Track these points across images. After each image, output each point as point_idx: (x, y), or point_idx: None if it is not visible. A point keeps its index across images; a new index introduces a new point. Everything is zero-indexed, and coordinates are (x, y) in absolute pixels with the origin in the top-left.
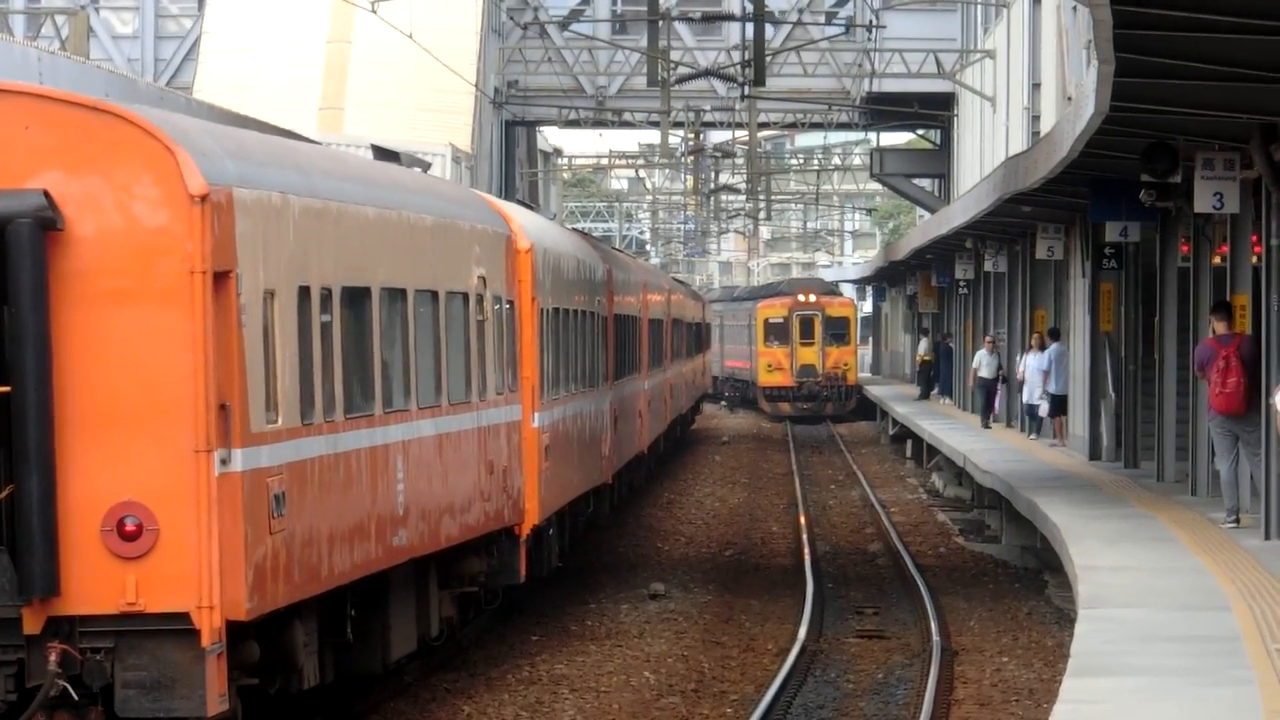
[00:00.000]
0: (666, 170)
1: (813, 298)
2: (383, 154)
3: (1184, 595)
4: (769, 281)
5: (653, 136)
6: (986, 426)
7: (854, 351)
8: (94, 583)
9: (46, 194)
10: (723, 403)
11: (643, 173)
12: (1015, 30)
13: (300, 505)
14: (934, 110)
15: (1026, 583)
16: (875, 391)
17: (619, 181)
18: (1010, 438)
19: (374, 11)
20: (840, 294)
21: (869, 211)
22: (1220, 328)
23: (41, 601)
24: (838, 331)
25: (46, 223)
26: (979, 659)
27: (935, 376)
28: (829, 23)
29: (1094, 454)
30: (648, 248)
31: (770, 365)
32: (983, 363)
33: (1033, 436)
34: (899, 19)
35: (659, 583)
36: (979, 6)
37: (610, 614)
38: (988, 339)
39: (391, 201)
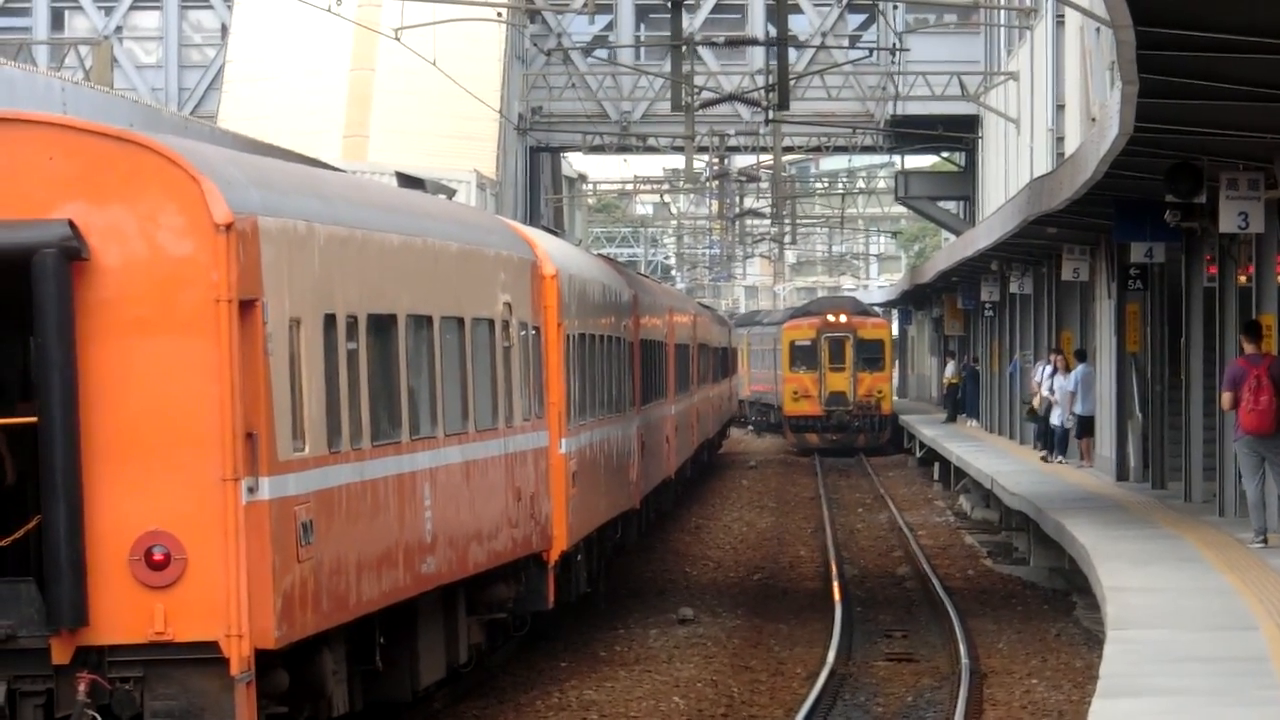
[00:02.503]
0: (691, 195)
1: (844, 318)
2: (407, 181)
3: (1212, 616)
4: (803, 303)
5: (677, 161)
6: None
7: (889, 378)
8: (122, 612)
9: (71, 224)
10: (749, 427)
11: (667, 198)
12: (1039, 52)
13: (328, 533)
14: (958, 132)
15: (1055, 604)
16: (902, 415)
17: (644, 207)
18: (1035, 459)
19: (397, 39)
20: (874, 314)
21: (894, 234)
22: (1250, 348)
23: (70, 631)
24: (871, 355)
25: (72, 253)
26: (1008, 681)
27: (962, 399)
28: (853, 46)
29: (1121, 475)
30: (673, 272)
31: (796, 392)
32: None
33: (1059, 459)
34: (922, 42)
35: (687, 607)
36: (1002, 29)
37: (639, 639)
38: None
39: (416, 228)
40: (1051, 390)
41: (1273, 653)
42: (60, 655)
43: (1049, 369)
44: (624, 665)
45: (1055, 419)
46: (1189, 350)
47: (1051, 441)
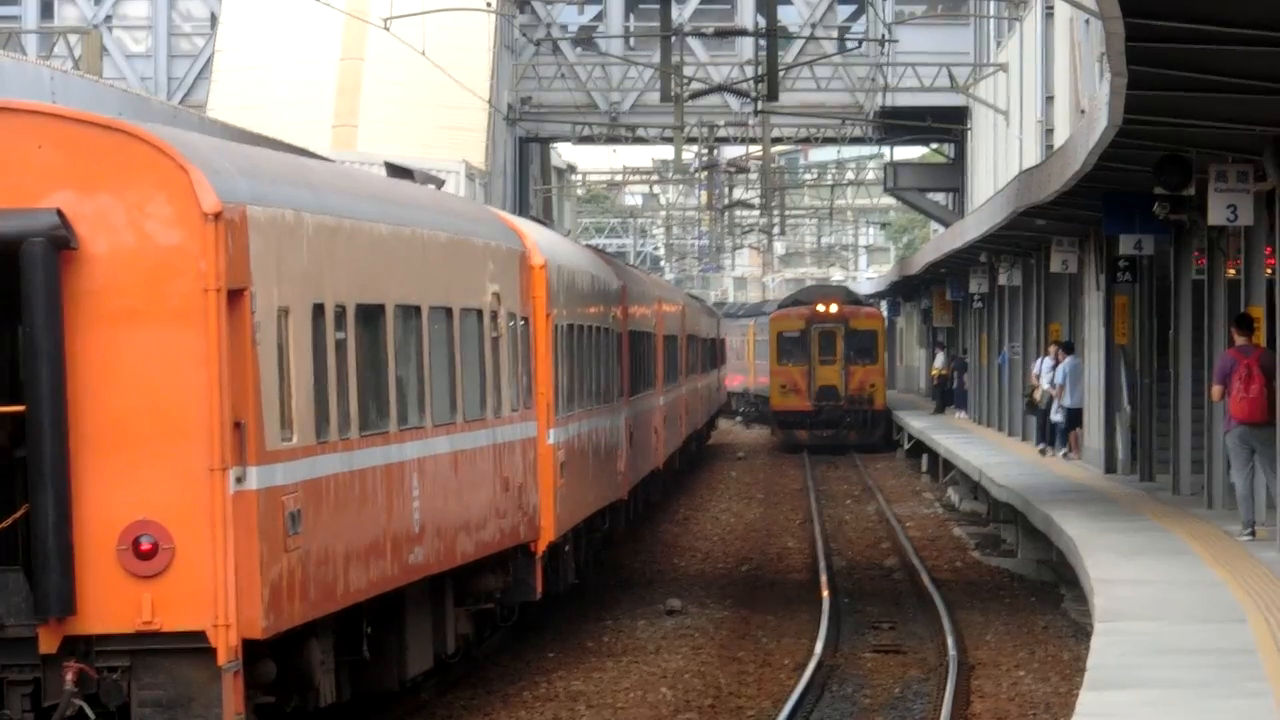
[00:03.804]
0: (680, 186)
1: (834, 308)
2: (396, 171)
3: (1200, 608)
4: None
5: (666, 152)
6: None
7: (882, 371)
8: (110, 602)
9: (60, 213)
10: (738, 418)
11: (656, 188)
12: (1028, 44)
13: (316, 523)
14: (947, 124)
15: (1043, 596)
16: (890, 408)
17: (633, 197)
18: (1024, 451)
19: (387, 29)
20: (866, 304)
21: (883, 226)
22: (1240, 339)
23: (58, 621)
24: (863, 347)
25: (60, 242)
26: (995, 673)
27: (951, 391)
28: (842, 37)
29: (1109, 467)
30: (662, 263)
31: (784, 386)
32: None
33: (1062, 453)
34: (912, 33)
35: (675, 598)
36: (991, 20)
37: (627, 630)
38: (1053, 347)
39: (405, 218)
40: (1052, 383)
41: (1260, 645)
42: (48, 644)
43: (1049, 362)
44: (611, 656)
45: (1056, 413)
46: (1178, 342)
47: (1048, 435)
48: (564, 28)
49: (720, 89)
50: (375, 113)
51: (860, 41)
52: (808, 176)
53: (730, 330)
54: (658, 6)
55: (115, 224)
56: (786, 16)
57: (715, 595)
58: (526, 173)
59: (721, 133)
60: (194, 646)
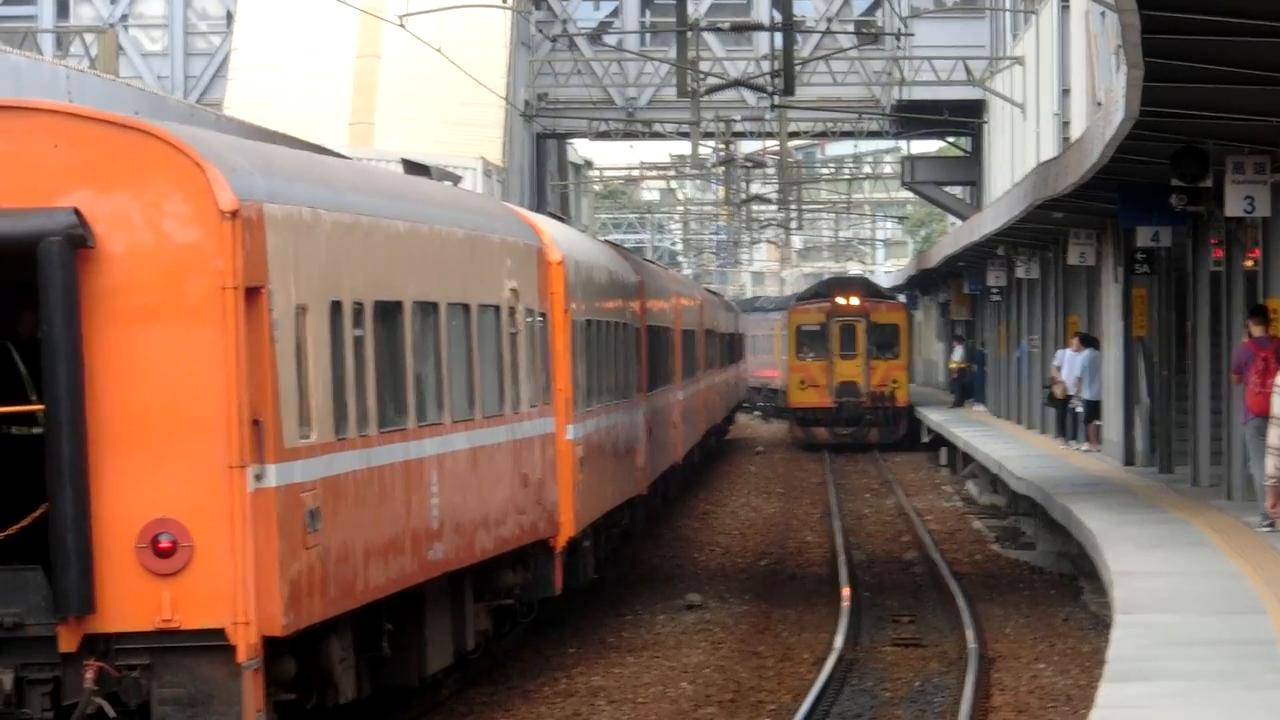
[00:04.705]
0: (697, 181)
1: (855, 301)
2: (413, 168)
3: (1219, 599)
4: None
5: (683, 147)
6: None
7: (905, 366)
8: (129, 600)
9: (77, 212)
10: (756, 413)
11: (674, 184)
12: (1044, 37)
13: (335, 520)
14: (964, 118)
15: (1062, 589)
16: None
17: (650, 193)
18: (1043, 443)
19: (403, 26)
20: (889, 296)
21: (900, 219)
22: (1257, 331)
23: (77, 619)
24: (885, 341)
25: (77, 241)
26: (1015, 666)
27: (969, 384)
28: (858, 32)
29: (1128, 459)
30: (679, 258)
31: (803, 382)
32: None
33: (1083, 447)
34: (928, 27)
35: (695, 593)
36: (1007, 13)
37: (647, 625)
38: (1075, 339)
39: (422, 215)
40: (1078, 378)
41: (1279, 636)
42: (67, 643)
43: (1071, 354)
44: (631, 651)
45: (1078, 405)
46: (1195, 334)
47: (1073, 429)
48: (579, 24)
49: (736, 84)
50: (391, 110)
51: (876, 35)
52: (825, 171)
53: (759, 325)
54: (673, 2)
55: (132, 222)
56: (802, 10)
57: (735, 590)
58: (543, 169)
59: (738, 127)
60: (214, 644)
